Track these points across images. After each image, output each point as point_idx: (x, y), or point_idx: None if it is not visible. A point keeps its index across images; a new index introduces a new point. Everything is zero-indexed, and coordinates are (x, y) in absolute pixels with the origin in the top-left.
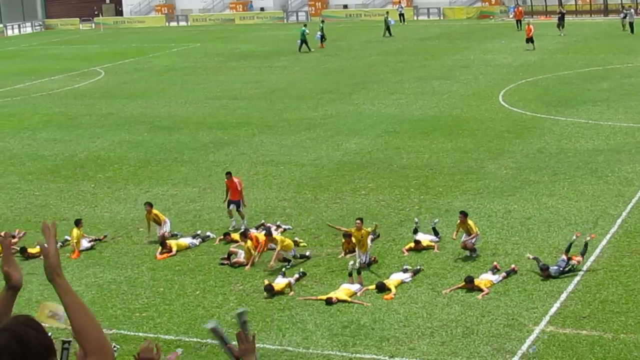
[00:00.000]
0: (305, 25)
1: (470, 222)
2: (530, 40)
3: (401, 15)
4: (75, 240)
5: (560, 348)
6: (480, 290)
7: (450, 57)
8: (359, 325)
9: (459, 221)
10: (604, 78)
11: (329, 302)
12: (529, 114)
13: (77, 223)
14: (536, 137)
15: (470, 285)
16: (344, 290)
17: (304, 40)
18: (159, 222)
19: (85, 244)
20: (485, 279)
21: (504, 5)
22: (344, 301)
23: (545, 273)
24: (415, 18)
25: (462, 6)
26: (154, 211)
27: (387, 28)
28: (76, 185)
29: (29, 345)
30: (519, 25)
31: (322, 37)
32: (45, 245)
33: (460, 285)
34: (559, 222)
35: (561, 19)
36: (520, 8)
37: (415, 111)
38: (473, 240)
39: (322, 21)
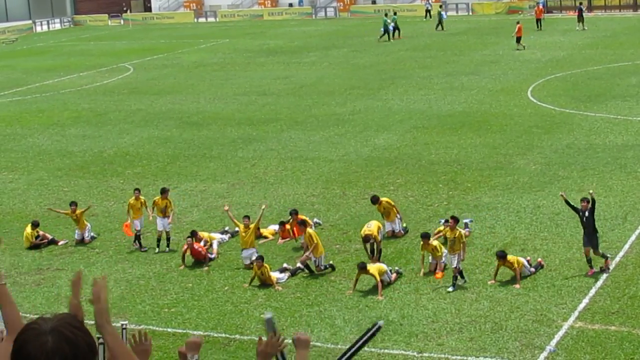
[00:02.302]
0: (386, 15)
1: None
2: (518, 40)
3: (427, 11)
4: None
5: (589, 344)
6: (511, 266)
7: (479, 52)
8: (388, 321)
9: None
10: (634, 73)
11: (361, 267)
12: (558, 109)
13: (136, 190)
14: (565, 132)
15: (502, 261)
16: (378, 266)
17: (387, 30)
18: (165, 213)
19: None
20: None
21: (532, 0)
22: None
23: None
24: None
25: (491, 1)
26: (169, 198)
27: (440, 22)
28: (105, 181)
29: (79, 348)
30: (539, 24)
31: (396, 29)
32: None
33: (497, 266)
34: None
35: (580, 13)
36: (540, 7)
37: (444, 107)
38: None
39: (395, 13)
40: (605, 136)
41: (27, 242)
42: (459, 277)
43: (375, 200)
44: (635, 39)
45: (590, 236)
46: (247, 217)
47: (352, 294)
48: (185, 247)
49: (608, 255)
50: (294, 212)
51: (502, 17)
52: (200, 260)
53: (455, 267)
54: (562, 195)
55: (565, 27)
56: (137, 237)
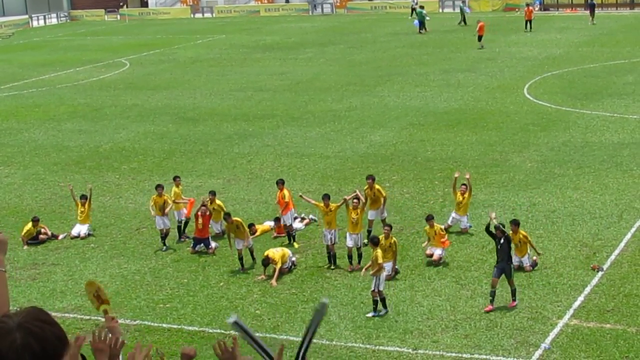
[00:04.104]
0: (422, 7)
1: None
2: (479, 38)
3: (413, 9)
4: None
5: (584, 342)
6: (525, 239)
7: (475, 49)
8: (383, 318)
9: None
10: (630, 71)
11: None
12: (554, 107)
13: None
14: (561, 130)
15: (516, 229)
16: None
17: (421, 22)
18: (163, 211)
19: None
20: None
21: None
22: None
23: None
24: (440, 10)
25: None
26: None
27: (463, 17)
28: (101, 177)
29: (47, 341)
30: (528, 25)
31: (422, 24)
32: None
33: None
34: (583, 215)
35: (592, 9)
36: (529, 8)
37: (440, 104)
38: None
39: (422, 7)
40: (602, 134)
41: (27, 236)
42: (380, 306)
43: (372, 179)
44: (632, 37)
45: (503, 265)
46: (228, 214)
47: (347, 291)
48: (201, 212)
49: (516, 296)
50: (281, 182)
51: (499, 15)
52: (206, 226)
53: (375, 291)
54: (491, 217)
55: (562, 24)
56: (182, 232)
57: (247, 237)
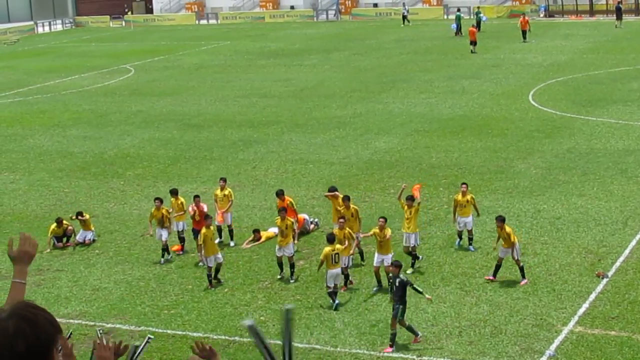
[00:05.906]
0: (459, 10)
1: (508, 228)
2: (473, 42)
3: (404, 17)
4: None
5: (589, 348)
6: (508, 237)
7: (480, 56)
8: (387, 324)
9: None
10: (635, 78)
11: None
12: (559, 113)
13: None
14: (566, 136)
15: (501, 225)
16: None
17: (458, 25)
18: (163, 224)
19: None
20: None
21: (534, 4)
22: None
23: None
24: (445, 17)
25: (493, 5)
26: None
27: (478, 23)
28: (106, 183)
29: (40, 326)
30: (524, 36)
31: (459, 28)
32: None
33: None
34: (588, 222)
35: (619, 12)
36: (526, 17)
37: (445, 110)
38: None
39: (458, 9)
40: (606, 141)
41: (53, 234)
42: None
43: (348, 199)
44: (637, 44)
45: (396, 305)
46: (209, 217)
47: (351, 298)
48: (192, 209)
49: (418, 333)
50: (281, 193)
51: (504, 21)
52: (201, 222)
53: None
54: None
55: (567, 31)
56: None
57: (217, 250)
